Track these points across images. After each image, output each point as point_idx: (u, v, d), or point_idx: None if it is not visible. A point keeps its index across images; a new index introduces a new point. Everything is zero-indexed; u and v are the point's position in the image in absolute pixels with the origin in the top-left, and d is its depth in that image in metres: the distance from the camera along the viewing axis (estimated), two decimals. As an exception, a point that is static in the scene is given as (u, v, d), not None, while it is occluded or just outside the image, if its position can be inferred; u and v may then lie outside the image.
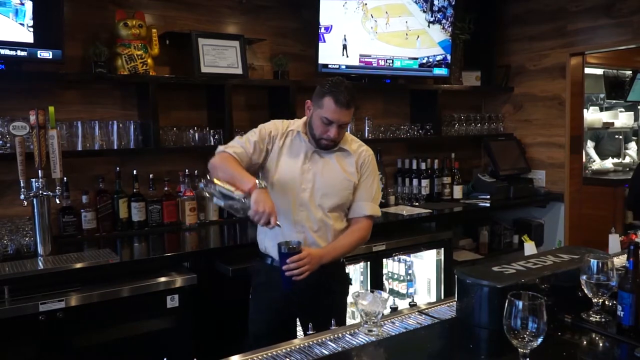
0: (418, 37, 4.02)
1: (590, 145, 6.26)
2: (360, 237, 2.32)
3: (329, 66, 3.67)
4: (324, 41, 3.61)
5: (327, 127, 2.18)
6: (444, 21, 4.13)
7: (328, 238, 2.27)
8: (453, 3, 4.13)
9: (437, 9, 4.07)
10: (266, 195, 2.02)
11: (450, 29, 4.16)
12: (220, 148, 2.25)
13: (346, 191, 2.29)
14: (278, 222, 2.01)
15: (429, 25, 4.06)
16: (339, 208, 2.30)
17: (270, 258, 2.30)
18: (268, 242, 2.29)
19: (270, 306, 2.30)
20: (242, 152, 2.22)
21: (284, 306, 2.28)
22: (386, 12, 3.84)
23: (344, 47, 3.72)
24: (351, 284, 2.50)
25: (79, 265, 2.43)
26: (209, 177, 2.10)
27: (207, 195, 2.10)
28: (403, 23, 3.94)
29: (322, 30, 3.58)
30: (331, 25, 3.59)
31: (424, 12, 4.02)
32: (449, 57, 4.20)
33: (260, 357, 1.45)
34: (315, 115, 2.21)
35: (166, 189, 3.20)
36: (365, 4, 3.72)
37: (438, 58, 4.15)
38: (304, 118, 2.33)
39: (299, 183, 2.24)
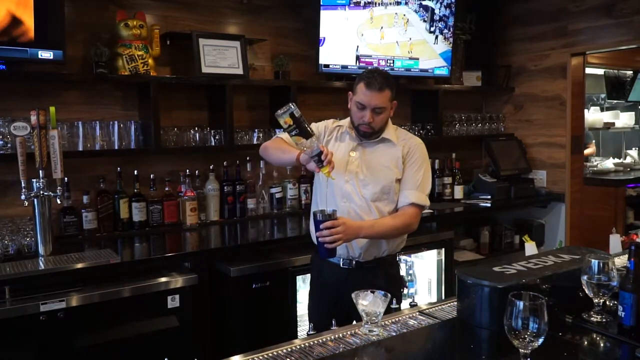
0: (419, 48, 4.00)
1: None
2: (404, 222, 2.28)
3: (330, 66, 3.67)
4: (323, 45, 3.61)
5: (362, 112, 2.24)
6: (445, 31, 4.08)
7: None
8: (454, 11, 4.08)
9: (438, 18, 4.02)
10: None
11: (451, 39, 4.13)
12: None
13: (387, 181, 2.29)
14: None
15: (433, 38, 4.03)
16: (382, 198, 2.29)
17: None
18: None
19: (324, 300, 2.33)
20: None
21: (335, 301, 2.27)
22: (382, 27, 3.82)
23: (357, 58, 3.76)
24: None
25: (79, 266, 2.43)
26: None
27: (284, 113, 2.09)
28: (402, 33, 3.91)
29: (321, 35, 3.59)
30: (324, 38, 3.59)
31: (424, 21, 3.98)
32: (449, 67, 4.19)
33: (260, 357, 1.45)
34: (352, 102, 2.29)
35: (167, 189, 3.20)
36: (366, 13, 3.71)
37: (438, 71, 4.16)
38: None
39: (342, 174, 2.28)
